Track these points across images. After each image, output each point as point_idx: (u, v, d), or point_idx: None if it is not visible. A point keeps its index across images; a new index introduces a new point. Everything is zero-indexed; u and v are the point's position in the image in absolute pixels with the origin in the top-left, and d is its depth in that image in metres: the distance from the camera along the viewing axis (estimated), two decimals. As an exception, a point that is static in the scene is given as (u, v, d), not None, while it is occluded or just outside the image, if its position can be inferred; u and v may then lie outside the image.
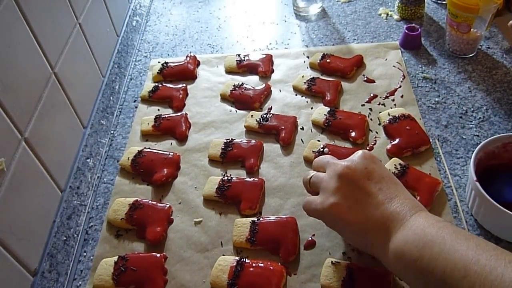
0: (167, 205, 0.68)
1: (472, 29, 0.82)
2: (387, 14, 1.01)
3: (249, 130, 0.78)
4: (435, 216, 0.48)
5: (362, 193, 0.50)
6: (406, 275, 0.47)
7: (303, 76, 0.86)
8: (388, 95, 0.81)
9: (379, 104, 0.80)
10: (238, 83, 0.86)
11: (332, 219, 0.53)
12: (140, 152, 0.75)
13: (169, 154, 0.74)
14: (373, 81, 0.85)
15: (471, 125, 0.75)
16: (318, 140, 0.75)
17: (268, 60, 0.91)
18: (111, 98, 0.85)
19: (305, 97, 0.84)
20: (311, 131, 0.77)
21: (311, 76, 0.85)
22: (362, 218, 0.49)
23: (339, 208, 0.51)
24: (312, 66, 0.89)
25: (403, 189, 0.52)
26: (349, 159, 0.54)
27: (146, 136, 0.80)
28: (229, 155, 0.73)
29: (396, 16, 1.00)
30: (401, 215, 0.47)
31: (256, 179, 0.69)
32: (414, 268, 0.44)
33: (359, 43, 0.94)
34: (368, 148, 0.73)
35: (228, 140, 0.75)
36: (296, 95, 0.84)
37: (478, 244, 0.41)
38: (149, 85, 0.89)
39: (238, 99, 0.83)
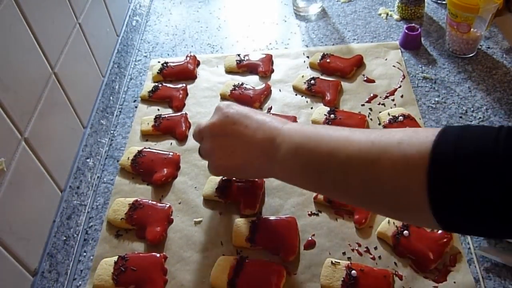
0: (167, 205, 0.68)
1: (472, 29, 0.82)
2: (387, 14, 1.01)
3: (249, 130, 0.78)
4: (300, 123, 0.54)
5: (233, 139, 0.55)
6: (296, 179, 0.52)
7: (303, 76, 0.86)
8: (388, 95, 0.81)
9: (379, 104, 0.80)
10: (238, 83, 0.86)
11: (223, 172, 0.61)
12: (140, 152, 0.75)
13: (169, 154, 0.74)
14: (373, 81, 0.85)
15: (471, 125, 0.75)
16: (318, 140, 0.75)
17: (268, 60, 0.91)
18: (111, 98, 0.85)
19: (305, 97, 0.84)
20: (311, 131, 0.77)
21: (311, 76, 0.85)
22: (243, 156, 0.55)
23: (221, 160, 0.57)
24: (312, 66, 0.89)
25: (264, 115, 0.57)
26: (212, 117, 0.58)
27: (146, 136, 0.80)
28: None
29: (396, 16, 1.00)
30: (272, 135, 0.52)
31: (256, 179, 0.69)
32: (298, 170, 0.49)
33: (359, 43, 0.94)
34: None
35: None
36: (296, 95, 0.84)
37: (338, 129, 0.48)
38: (149, 85, 0.89)
39: (238, 99, 0.83)
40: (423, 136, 0.40)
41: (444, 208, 0.38)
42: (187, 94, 0.87)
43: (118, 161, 0.76)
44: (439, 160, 0.38)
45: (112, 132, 0.82)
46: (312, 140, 0.48)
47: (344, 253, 0.61)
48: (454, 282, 0.56)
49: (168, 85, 0.88)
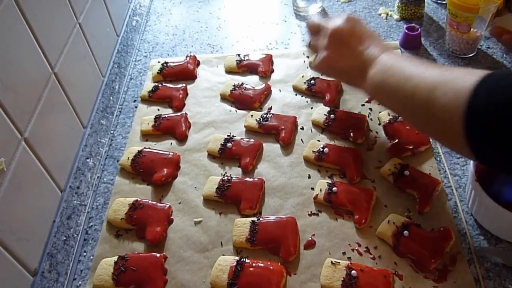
0: (167, 205, 0.68)
1: (472, 29, 0.82)
2: (387, 14, 1.01)
3: (249, 130, 0.78)
4: (397, 52, 0.66)
5: (346, 47, 0.66)
6: (377, 94, 0.63)
7: (303, 76, 0.86)
8: (388, 95, 0.81)
9: (379, 104, 0.80)
10: (238, 83, 0.86)
11: (326, 68, 0.70)
12: (140, 152, 0.75)
13: (169, 154, 0.74)
14: (373, 81, 0.85)
15: (471, 125, 0.75)
16: (318, 140, 0.75)
17: (268, 60, 0.91)
18: (111, 98, 0.85)
19: (305, 97, 0.84)
20: (311, 131, 0.77)
21: (311, 76, 0.85)
22: (347, 64, 0.66)
23: (330, 60, 0.68)
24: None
25: (376, 39, 0.66)
26: (337, 20, 0.68)
27: (146, 136, 0.80)
28: (226, 152, 0.74)
29: (396, 16, 1.00)
30: (373, 57, 0.62)
31: (256, 179, 0.69)
32: (382, 89, 0.59)
33: (359, 43, 0.94)
34: (368, 148, 0.73)
35: (228, 136, 0.76)
36: (296, 95, 0.84)
37: (419, 62, 0.57)
38: (149, 85, 0.89)
39: (238, 99, 0.83)
40: (473, 75, 0.47)
41: (478, 141, 0.46)
42: (187, 94, 0.87)
43: (118, 161, 0.76)
44: (476, 98, 0.45)
45: (112, 132, 0.82)
46: (395, 67, 0.58)
47: (344, 253, 0.61)
48: (454, 282, 0.56)
49: (168, 85, 0.88)
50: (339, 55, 0.67)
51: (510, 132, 0.42)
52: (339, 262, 0.58)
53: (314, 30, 0.72)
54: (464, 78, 0.47)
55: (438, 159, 0.71)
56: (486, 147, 0.46)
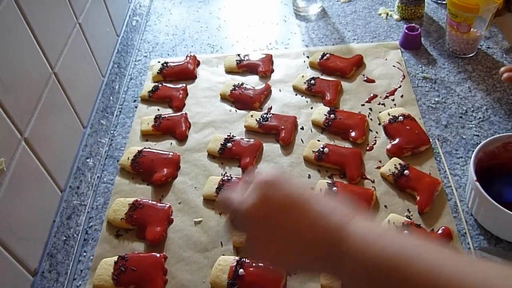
0: (167, 205, 0.68)
1: (472, 29, 0.82)
2: (387, 14, 1.01)
3: (249, 130, 0.78)
4: (365, 222, 0.40)
5: (281, 233, 0.41)
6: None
7: (303, 76, 0.86)
8: (388, 95, 0.81)
9: (379, 104, 0.80)
10: (238, 83, 0.86)
11: (272, 264, 0.46)
12: (140, 152, 0.75)
13: (169, 154, 0.74)
14: (373, 81, 0.85)
15: (471, 125, 0.75)
16: (318, 140, 0.75)
17: (268, 60, 0.91)
18: (111, 98, 0.85)
19: (305, 97, 0.84)
20: (311, 131, 0.77)
21: (311, 76, 0.85)
22: (298, 257, 0.42)
23: (268, 254, 0.43)
24: (312, 65, 0.89)
25: (319, 200, 0.43)
26: (247, 197, 0.43)
27: (146, 136, 0.80)
28: (226, 152, 0.74)
29: (396, 16, 1.00)
30: (334, 240, 0.39)
31: (256, 179, 0.69)
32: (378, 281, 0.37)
33: (359, 43, 0.94)
34: (368, 148, 0.73)
35: (228, 136, 0.76)
36: (296, 95, 0.84)
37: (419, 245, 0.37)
38: (149, 85, 0.89)
39: (238, 99, 0.83)
40: None
41: None
42: (187, 94, 0.87)
43: (118, 161, 0.76)
44: None
45: (112, 132, 0.82)
46: (393, 264, 0.36)
47: (344, 253, 0.60)
48: (454, 282, 0.56)
49: (168, 85, 0.88)
50: (275, 247, 0.42)
51: None
52: (339, 262, 0.58)
53: (225, 212, 0.47)
54: None
55: (438, 159, 0.71)
56: None
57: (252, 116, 0.79)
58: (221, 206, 0.52)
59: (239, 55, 0.92)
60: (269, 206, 0.42)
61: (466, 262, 0.35)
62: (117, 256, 0.61)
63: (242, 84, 0.86)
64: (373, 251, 0.37)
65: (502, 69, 0.76)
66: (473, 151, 0.62)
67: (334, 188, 0.66)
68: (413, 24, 0.91)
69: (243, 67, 0.90)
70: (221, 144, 0.75)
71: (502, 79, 0.75)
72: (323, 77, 0.86)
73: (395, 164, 0.68)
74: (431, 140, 0.73)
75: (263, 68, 0.89)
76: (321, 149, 0.72)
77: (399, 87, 0.83)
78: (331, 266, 0.40)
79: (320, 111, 0.78)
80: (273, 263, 0.45)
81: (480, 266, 0.35)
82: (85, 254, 0.65)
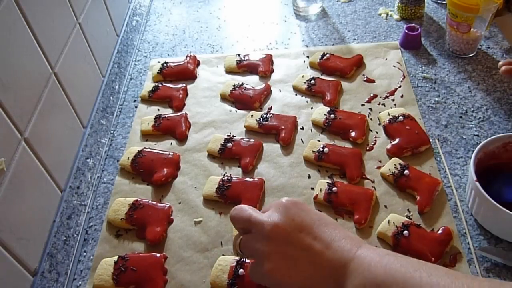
0: (167, 205, 0.68)
1: (472, 29, 0.82)
2: (387, 14, 1.01)
3: (249, 130, 0.78)
4: (376, 248, 0.46)
5: (297, 249, 0.46)
6: None
7: (303, 76, 0.86)
8: (388, 95, 0.81)
9: (379, 104, 0.80)
10: (238, 83, 0.86)
11: (275, 284, 0.48)
12: (140, 152, 0.75)
13: (169, 154, 0.74)
14: (373, 81, 0.85)
15: (471, 125, 0.75)
16: (318, 140, 0.75)
17: (268, 60, 0.91)
18: (111, 98, 0.85)
19: (305, 97, 0.84)
20: (311, 131, 0.77)
21: (311, 76, 0.85)
22: (306, 276, 0.46)
23: (278, 272, 0.46)
24: (312, 65, 0.89)
25: (336, 226, 0.49)
26: (273, 214, 0.49)
27: (146, 136, 0.80)
28: (226, 152, 0.74)
29: (396, 16, 1.00)
30: (345, 258, 0.44)
31: (256, 179, 0.69)
32: None
33: (359, 43, 0.94)
34: (368, 148, 0.73)
35: (228, 137, 0.76)
36: (296, 95, 0.84)
37: (431, 274, 0.40)
38: (149, 85, 0.89)
39: (238, 99, 0.83)
40: None
41: None
42: (187, 94, 0.87)
43: (118, 161, 0.76)
44: None
45: (112, 132, 0.82)
46: (391, 283, 0.40)
47: (344, 253, 0.60)
48: (454, 282, 0.56)
49: (168, 85, 0.88)
50: (289, 264, 0.46)
51: None
52: (339, 262, 0.58)
53: (243, 225, 0.51)
54: None
55: (438, 159, 0.71)
56: None
57: (252, 116, 0.79)
58: (239, 218, 0.52)
59: (239, 55, 0.92)
60: (292, 225, 0.47)
61: (462, 279, 0.38)
62: (117, 256, 0.61)
63: (242, 84, 0.86)
64: (375, 270, 0.42)
65: (501, 62, 0.75)
66: (473, 151, 0.62)
67: (334, 188, 0.66)
68: (413, 24, 0.91)
69: (243, 67, 0.90)
70: (221, 144, 0.75)
71: (501, 72, 0.74)
72: (323, 77, 0.86)
73: (395, 164, 0.68)
74: (431, 140, 0.73)
75: (263, 68, 0.89)
76: (321, 149, 0.72)
77: (399, 87, 0.83)
78: (336, 285, 0.44)
79: (320, 111, 0.78)
80: (280, 284, 0.47)
81: (476, 282, 0.38)
82: (85, 254, 0.65)
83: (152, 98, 0.86)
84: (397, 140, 0.72)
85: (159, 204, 0.68)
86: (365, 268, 0.43)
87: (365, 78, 0.85)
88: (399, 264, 0.42)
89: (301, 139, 0.76)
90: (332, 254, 0.45)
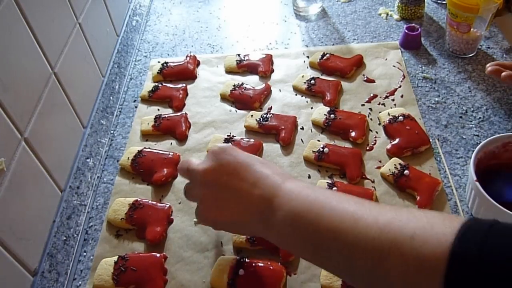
0: (167, 205, 0.68)
1: (472, 29, 0.82)
2: (387, 14, 1.01)
3: (249, 130, 0.78)
4: (300, 181, 0.50)
5: (226, 191, 0.50)
6: (293, 248, 0.48)
7: (303, 76, 0.86)
8: (388, 95, 0.81)
9: (379, 104, 0.80)
10: (238, 83, 0.86)
11: (212, 224, 0.54)
12: (140, 152, 0.75)
13: (169, 154, 0.74)
14: (373, 81, 0.85)
15: (471, 125, 0.75)
16: (318, 140, 0.75)
17: (268, 60, 0.91)
18: (111, 98, 0.85)
19: (305, 97, 0.84)
20: (311, 131, 0.77)
21: (311, 76, 0.85)
22: (237, 213, 0.50)
23: (211, 213, 0.52)
24: (312, 65, 0.89)
25: (262, 165, 0.51)
26: (204, 161, 0.53)
27: (146, 136, 0.80)
28: (227, 152, 0.74)
29: (396, 16, 1.00)
30: (270, 194, 0.48)
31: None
32: (296, 239, 0.45)
33: (359, 43, 0.94)
34: (368, 148, 0.73)
35: (228, 136, 0.76)
36: (296, 95, 0.85)
37: (343, 199, 0.44)
38: (149, 85, 0.89)
39: (238, 99, 0.83)
40: (440, 233, 0.35)
41: None
42: (187, 94, 0.87)
43: (118, 161, 0.76)
44: (459, 269, 0.33)
45: (112, 132, 0.82)
46: (313, 211, 0.44)
47: (344, 253, 0.60)
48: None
49: (168, 85, 0.88)
50: (221, 204, 0.51)
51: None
52: (339, 262, 0.58)
53: (186, 176, 0.56)
54: (426, 234, 0.36)
55: (438, 159, 0.71)
56: None
57: (252, 116, 0.79)
58: (180, 169, 0.58)
59: (239, 55, 0.92)
60: (220, 169, 0.51)
61: (368, 204, 0.42)
62: (117, 256, 0.61)
63: (242, 84, 0.86)
64: (297, 201, 0.45)
65: (488, 64, 0.72)
66: (473, 151, 0.62)
67: (335, 188, 0.66)
68: (413, 24, 0.91)
69: (243, 67, 0.90)
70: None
71: (501, 78, 0.71)
72: (323, 77, 0.86)
73: (395, 164, 0.68)
74: (431, 140, 0.73)
75: (263, 68, 0.89)
76: (321, 149, 0.72)
77: (399, 87, 0.83)
78: (264, 224, 0.48)
79: (320, 111, 0.78)
80: (215, 223, 0.54)
81: (381, 207, 0.42)
82: (85, 254, 0.65)
83: (152, 98, 0.86)
84: (397, 140, 0.72)
85: (159, 204, 0.68)
86: (287, 201, 0.46)
87: (365, 78, 0.85)
88: (320, 193, 0.45)
89: (301, 139, 0.76)
90: (258, 191, 0.48)
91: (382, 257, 0.37)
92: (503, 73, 0.69)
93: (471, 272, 0.32)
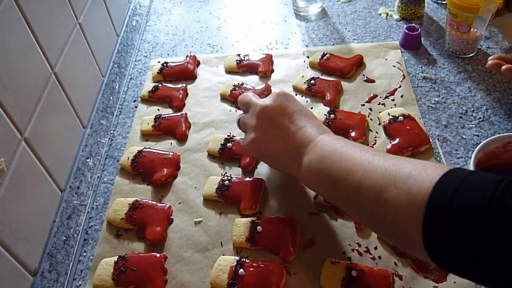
0: (167, 205, 0.68)
1: (472, 29, 0.82)
2: (387, 14, 1.01)
3: (249, 130, 0.78)
4: (335, 136, 0.57)
5: (276, 128, 0.59)
6: (315, 185, 0.57)
7: (303, 76, 0.86)
8: (388, 95, 0.81)
9: (379, 104, 0.80)
10: (238, 83, 0.86)
11: (256, 152, 0.63)
12: (140, 152, 0.75)
13: (169, 154, 0.74)
14: (373, 81, 0.85)
15: (471, 125, 0.75)
16: (318, 140, 0.75)
17: (268, 60, 0.91)
18: (111, 98, 0.85)
19: (305, 97, 0.84)
20: (311, 131, 0.77)
21: (311, 76, 0.85)
22: (279, 148, 0.59)
23: (259, 142, 0.60)
24: (312, 65, 0.89)
25: (311, 117, 0.60)
26: (266, 99, 0.62)
27: (146, 136, 0.80)
28: (226, 152, 0.74)
29: (396, 16, 1.00)
30: (308, 140, 0.56)
31: (256, 179, 0.69)
32: (321, 180, 0.53)
33: (359, 43, 0.94)
34: (368, 148, 0.74)
35: (228, 136, 0.76)
36: (296, 95, 0.84)
37: (363, 149, 0.51)
38: (149, 85, 0.89)
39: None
40: (429, 175, 0.41)
41: (436, 249, 0.40)
42: (187, 94, 0.87)
43: (118, 161, 0.76)
44: (435, 205, 0.40)
45: (112, 132, 0.82)
46: (337, 154, 0.51)
47: (344, 253, 0.61)
48: (454, 282, 0.56)
49: (168, 85, 0.88)
50: (268, 138, 0.60)
51: (467, 238, 0.37)
52: (339, 262, 0.58)
53: (244, 107, 0.65)
54: (419, 175, 0.42)
55: (438, 159, 0.71)
56: (449, 257, 0.40)
57: (252, 116, 0.79)
58: (241, 100, 0.66)
59: (239, 55, 0.92)
60: (278, 110, 0.60)
61: (386, 155, 0.49)
62: (117, 256, 0.61)
63: (242, 84, 0.86)
64: (325, 148, 0.53)
65: (490, 58, 0.73)
66: (473, 151, 0.62)
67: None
68: (413, 24, 0.91)
69: (243, 67, 0.90)
70: (221, 144, 0.75)
71: (501, 71, 0.71)
72: (323, 77, 0.86)
73: (395, 164, 0.68)
74: (431, 140, 0.73)
75: (263, 68, 0.89)
76: (321, 149, 0.71)
77: (399, 87, 0.83)
78: (297, 163, 0.56)
79: (320, 111, 0.78)
80: (259, 152, 0.62)
81: (395, 157, 0.48)
82: (85, 254, 0.65)
83: (152, 98, 0.86)
84: (397, 140, 0.72)
85: (159, 204, 0.68)
86: (318, 147, 0.54)
87: (365, 78, 0.85)
88: (344, 143, 0.53)
89: (301, 139, 0.76)
90: (300, 136, 0.57)
91: (381, 192, 0.44)
92: (504, 67, 0.71)
93: (444, 210, 0.39)
